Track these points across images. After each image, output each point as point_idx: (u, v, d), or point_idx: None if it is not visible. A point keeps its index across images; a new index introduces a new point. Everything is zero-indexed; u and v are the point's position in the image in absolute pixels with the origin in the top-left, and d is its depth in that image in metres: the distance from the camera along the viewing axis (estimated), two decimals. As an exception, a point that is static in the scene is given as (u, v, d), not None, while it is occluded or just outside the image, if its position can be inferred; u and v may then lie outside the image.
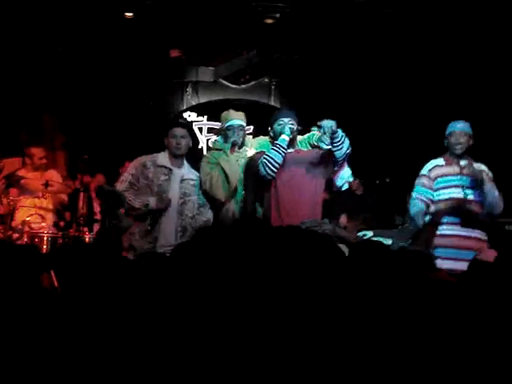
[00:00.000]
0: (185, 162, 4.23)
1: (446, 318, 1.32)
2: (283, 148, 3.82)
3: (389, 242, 3.54)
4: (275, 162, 3.79)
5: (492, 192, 3.91)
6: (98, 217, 6.04)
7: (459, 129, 4.03)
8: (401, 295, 1.19)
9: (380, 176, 7.20)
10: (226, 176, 4.03)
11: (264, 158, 3.81)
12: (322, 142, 3.88)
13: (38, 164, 5.56)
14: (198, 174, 4.24)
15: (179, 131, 4.14)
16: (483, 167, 4.03)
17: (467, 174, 3.98)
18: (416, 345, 1.17)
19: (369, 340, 1.11)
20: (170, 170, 4.11)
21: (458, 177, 4.00)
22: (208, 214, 4.19)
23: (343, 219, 6.84)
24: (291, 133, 3.88)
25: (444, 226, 4.01)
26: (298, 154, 3.99)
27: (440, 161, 4.10)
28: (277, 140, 3.91)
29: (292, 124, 3.94)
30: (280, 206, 3.83)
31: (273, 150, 3.83)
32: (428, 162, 4.17)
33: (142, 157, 4.17)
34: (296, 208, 3.81)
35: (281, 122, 3.96)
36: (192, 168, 4.30)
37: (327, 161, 3.93)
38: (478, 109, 6.54)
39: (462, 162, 4.03)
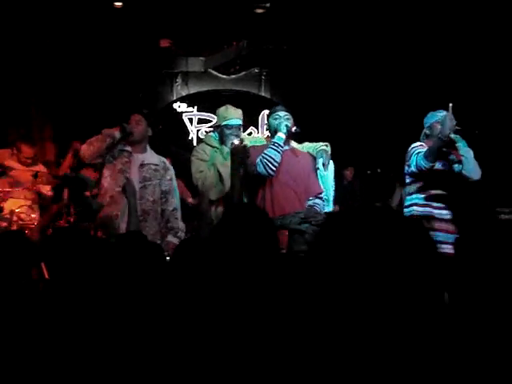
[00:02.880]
0: (148, 147, 4.25)
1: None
2: (281, 146, 3.84)
3: None
4: (274, 161, 3.81)
5: (470, 153, 3.96)
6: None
7: (447, 116, 4.05)
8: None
9: (371, 166, 7.22)
10: (221, 178, 4.01)
11: (263, 157, 3.81)
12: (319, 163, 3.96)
13: (24, 161, 5.56)
14: (162, 159, 4.25)
15: (135, 117, 4.18)
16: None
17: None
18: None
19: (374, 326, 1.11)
20: (130, 153, 4.14)
21: (441, 163, 4.04)
22: (174, 204, 4.21)
23: (335, 208, 6.86)
24: (287, 131, 3.88)
25: (442, 211, 4.02)
26: (294, 153, 4.01)
27: (423, 145, 4.10)
28: (273, 135, 3.93)
29: (288, 119, 3.95)
30: (274, 200, 3.84)
31: (271, 149, 3.82)
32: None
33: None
34: (290, 201, 3.83)
35: (276, 117, 3.97)
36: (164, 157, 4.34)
37: None
38: (467, 101, 6.58)
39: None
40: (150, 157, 4.23)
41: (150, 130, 4.23)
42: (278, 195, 3.85)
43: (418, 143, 4.08)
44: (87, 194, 4.33)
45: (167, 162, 4.34)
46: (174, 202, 4.21)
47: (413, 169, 4.00)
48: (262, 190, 3.90)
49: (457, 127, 3.93)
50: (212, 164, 4.06)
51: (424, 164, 3.89)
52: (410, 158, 4.03)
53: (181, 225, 4.22)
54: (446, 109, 4.03)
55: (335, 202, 6.87)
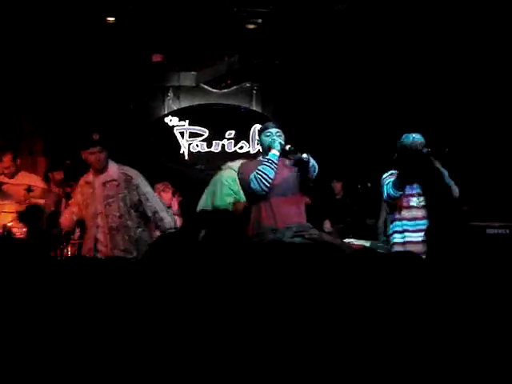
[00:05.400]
0: (108, 165, 4.30)
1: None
2: (275, 163, 3.84)
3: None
4: (268, 177, 3.81)
5: (445, 173, 4.12)
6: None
7: (419, 139, 4.13)
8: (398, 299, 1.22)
9: (361, 180, 7.26)
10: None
11: (257, 173, 3.82)
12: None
13: (4, 171, 5.52)
14: (121, 171, 4.29)
15: (96, 148, 4.25)
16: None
17: None
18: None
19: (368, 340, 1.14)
20: (92, 183, 4.30)
21: (414, 185, 4.15)
22: (153, 208, 4.26)
23: (327, 224, 6.90)
24: (281, 148, 3.90)
25: (411, 234, 4.10)
26: (284, 164, 4.03)
27: (393, 174, 4.22)
28: (266, 152, 3.95)
29: (280, 136, 3.97)
30: (276, 216, 3.82)
31: (266, 166, 3.83)
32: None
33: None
34: (291, 213, 3.84)
35: (268, 133, 3.98)
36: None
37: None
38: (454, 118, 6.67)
39: None
40: (110, 173, 4.27)
41: (105, 153, 4.26)
42: (278, 211, 3.85)
43: (389, 172, 4.22)
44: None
45: (128, 172, 4.33)
46: (152, 205, 4.24)
47: (385, 198, 4.17)
48: (262, 208, 3.90)
49: (427, 149, 4.05)
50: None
51: (393, 193, 4.11)
52: (382, 188, 4.20)
53: (167, 222, 4.26)
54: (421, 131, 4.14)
55: (327, 216, 6.94)
